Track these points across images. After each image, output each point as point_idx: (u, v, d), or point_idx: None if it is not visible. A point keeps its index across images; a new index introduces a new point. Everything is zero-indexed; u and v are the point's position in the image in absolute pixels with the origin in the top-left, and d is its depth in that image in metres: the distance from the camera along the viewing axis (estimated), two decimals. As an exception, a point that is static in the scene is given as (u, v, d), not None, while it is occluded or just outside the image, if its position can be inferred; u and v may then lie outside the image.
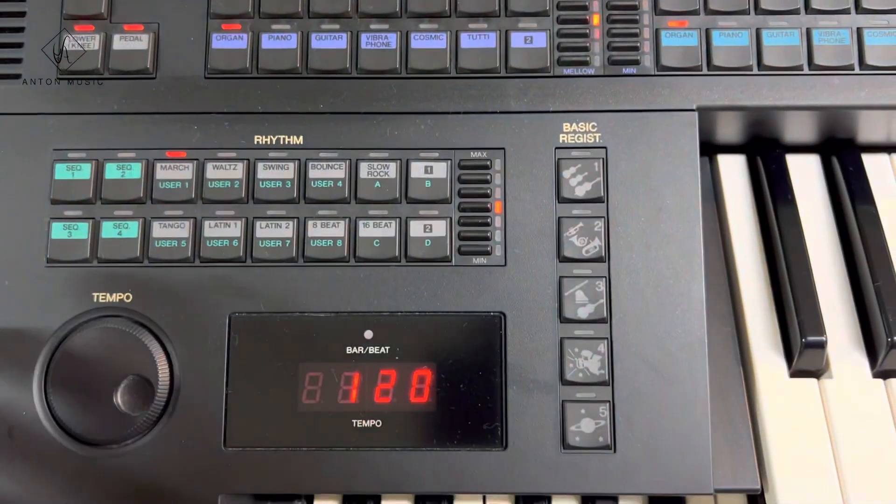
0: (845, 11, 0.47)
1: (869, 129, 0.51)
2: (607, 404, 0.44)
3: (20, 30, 0.48)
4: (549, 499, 0.46)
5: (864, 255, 0.48)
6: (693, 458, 0.43)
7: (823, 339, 0.45)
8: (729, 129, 0.51)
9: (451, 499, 0.46)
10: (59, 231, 0.46)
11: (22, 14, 0.48)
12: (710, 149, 0.53)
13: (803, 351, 0.45)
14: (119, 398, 0.44)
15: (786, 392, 0.46)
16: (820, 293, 0.47)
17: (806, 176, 0.52)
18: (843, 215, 0.51)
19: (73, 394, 0.44)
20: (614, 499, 0.46)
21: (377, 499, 0.46)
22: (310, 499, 0.46)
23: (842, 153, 0.52)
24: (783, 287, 0.48)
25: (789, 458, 0.44)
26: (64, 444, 0.44)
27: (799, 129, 0.51)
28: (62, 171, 0.47)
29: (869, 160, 0.52)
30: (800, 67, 0.47)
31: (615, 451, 0.43)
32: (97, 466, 0.44)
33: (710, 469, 0.43)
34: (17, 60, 0.48)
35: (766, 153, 0.52)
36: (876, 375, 0.46)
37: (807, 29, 0.47)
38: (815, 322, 0.46)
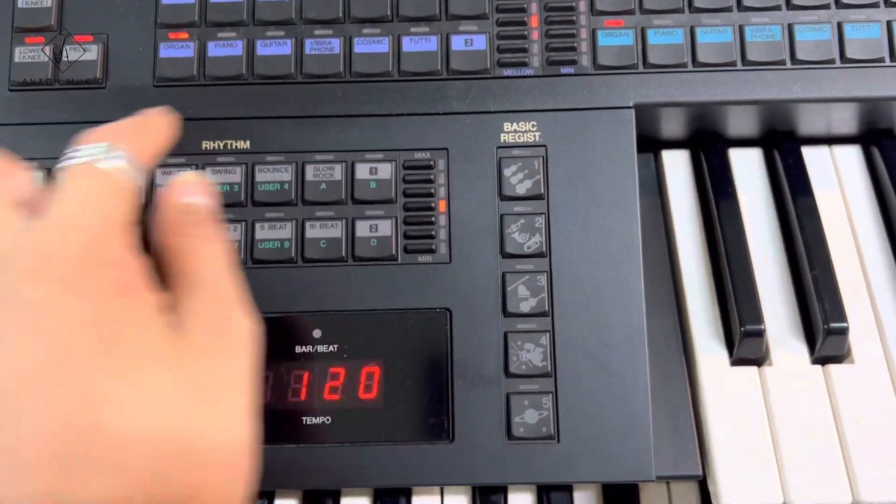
0: (776, 8, 0.49)
1: (807, 122, 0.52)
2: (550, 395, 0.45)
3: (-29, 43, 0.49)
4: (504, 490, 0.47)
5: (802, 245, 0.49)
6: (635, 446, 0.44)
7: (762, 327, 0.46)
8: (671, 126, 0.52)
9: (409, 493, 0.47)
10: (12, 239, 0.47)
11: (-28, 27, 0.50)
12: (656, 144, 0.54)
13: (742, 339, 0.46)
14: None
15: (727, 380, 0.47)
16: (760, 283, 0.48)
17: (748, 169, 0.53)
18: (784, 207, 0.52)
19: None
20: (568, 489, 0.47)
21: (336, 495, 0.47)
22: (270, 497, 0.46)
23: (782, 146, 0.53)
24: (724, 278, 0.49)
25: (730, 445, 0.45)
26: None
27: (739, 123, 0.52)
28: (15, 181, 0.47)
29: (809, 153, 0.53)
30: (733, 63, 0.48)
31: (559, 441, 0.44)
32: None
33: (652, 456, 0.44)
34: (-31, 73, 0.49)
35: (708, 148, 0.53)
36: (815, 362, 0.48)
37: (739, 26, 0.49)
38: (753, 311, 0.47)
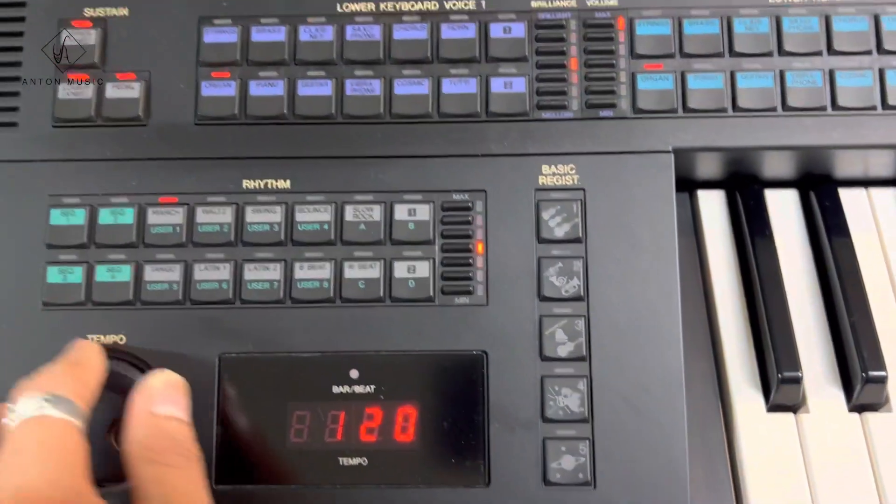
0: (817, 53, 0.49)
1: (845, 166, 0.52)
2: (587, 441, 0.45)
3: (16, 79, 0.50)
4: (537, 534, 0.47)
5: (839, 290, 0.49)
6: (671, 493, 0.44)
7: (799, 374, 0.46)
8: (708, 167, 0.52)
9: (439, 531, 0.47)
10: (54, 275, 0.47)
11: (18, 64, 0.50)
12: (691, 184, 0.54)
13: (779, 386, 0.46)
14: (112, 438, 0.45)
15: (763, 426, 0.47)
16: (797, 328, 0.48)
17: (784, 211, 0.53)
18: (820, 250, 0.52)
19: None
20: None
21: (367, 532, 0.47)
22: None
23: (819, 188, 0.53)
24: (760, 322, 0.49)
25: (766, 492, 0.45)
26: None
27: (776, 166, 0.52)
28: (57, 217, 0.48)
29: (846, 195, 0.53)
30: (773, 109, 0.48)
31: (595, 487, 0.44)
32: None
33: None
34: (14, 109, 0.49)
35: (744, 189, 0.53)
36: (852, 409, 0.47)
37: (780, 71, 0.48)
38: (790, 357, 0.47)
